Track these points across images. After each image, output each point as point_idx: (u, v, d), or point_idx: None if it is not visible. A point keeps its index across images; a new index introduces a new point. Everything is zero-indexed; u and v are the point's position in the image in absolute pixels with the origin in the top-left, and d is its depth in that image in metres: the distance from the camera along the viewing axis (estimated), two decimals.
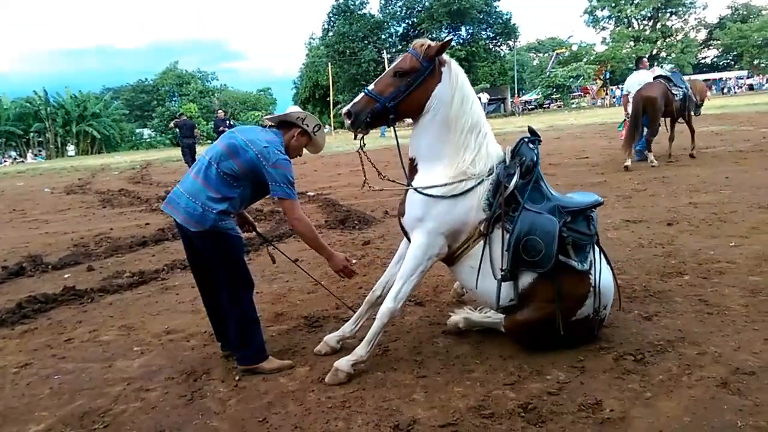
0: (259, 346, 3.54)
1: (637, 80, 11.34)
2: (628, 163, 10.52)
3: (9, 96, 56.67)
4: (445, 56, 3.33)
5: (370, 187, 3.67)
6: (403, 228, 3.55)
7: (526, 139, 3.38)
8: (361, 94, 3.34)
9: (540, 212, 3.20)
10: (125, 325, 4.59)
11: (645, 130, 10.88)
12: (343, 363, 3.30)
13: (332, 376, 3.29)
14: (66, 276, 6.36)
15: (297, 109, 3.63)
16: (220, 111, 23.14)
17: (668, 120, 11.25)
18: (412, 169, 3.47)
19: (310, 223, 3.54)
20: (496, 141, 3.51)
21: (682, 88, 10.99)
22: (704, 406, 2.73)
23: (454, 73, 3.31)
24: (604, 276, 3.35)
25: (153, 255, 7.08)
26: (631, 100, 11.08)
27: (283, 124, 3.60)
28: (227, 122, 19.79)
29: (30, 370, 3.88)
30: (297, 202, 3.42)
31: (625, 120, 12.44)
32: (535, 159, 3.30)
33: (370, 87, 3.34)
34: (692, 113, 11.31)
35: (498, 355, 3.46)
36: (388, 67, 3.54)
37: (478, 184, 3.30)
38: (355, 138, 3.43)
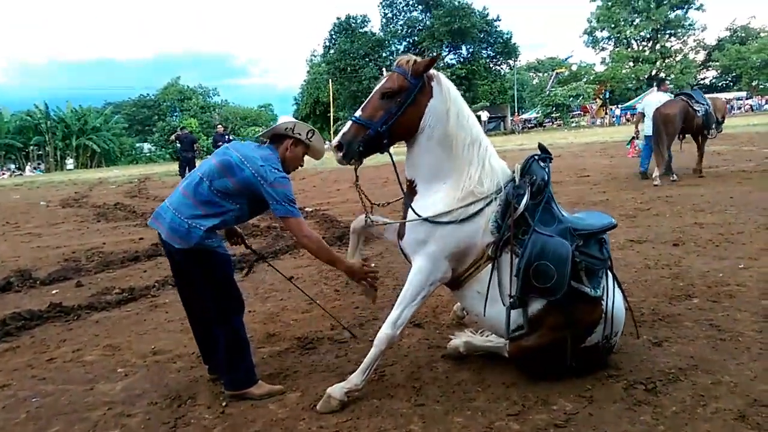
0: (248, 370, 3.35)
1: (657, 99, 11.48)
2: (657, 182, 10.57)
3: (9, 109, 56.79)
4: (433, 71, 3.17)
5: (373, 222, 3.49)
6: (402, 250, 3.37)
7: (536, 157, 3.20)
8: (349, 123, 3.15)
9: (551, 235, 2.99)
10: (111, 345, 4.40)
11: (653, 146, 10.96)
12: (337, 390, 3.10)
13: (324, 404, 3.09)
14: (54, 292, 6.16)
15: (287, 119, 3.44)
16: (219, 126, 22.99)
17: (692, 137, 11.47)
18: (412, 191, 3.29)
19: (320, 239, 3.36)
20: (499, 158, 3.34)
21: (703, 104, 11.12)
22: None
23: (445, 87, 3.16)
24: (617, 301, 3.18)
25: (144, 271, 6.89)
26: (646, 119, 11.27)
27: (276, 137, 3.43)
28: (226, 137, 19.65)
29: (7, 391, 3.68)
30: (302, 218, 3.27)
31: (633, 137, 12.66)
32: (546, 178, 3.11)
33: (358, 113, 3.13)
34: (711, 131, 11.39)
35: (501, 383, 3.27)
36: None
37: (487, 205, 3.12)
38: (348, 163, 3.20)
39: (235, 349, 3.33)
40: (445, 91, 3.14)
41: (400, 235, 3.31)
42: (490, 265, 3.13)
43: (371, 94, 3.19)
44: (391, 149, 3.24)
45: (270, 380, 3.54)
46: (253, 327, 4.45)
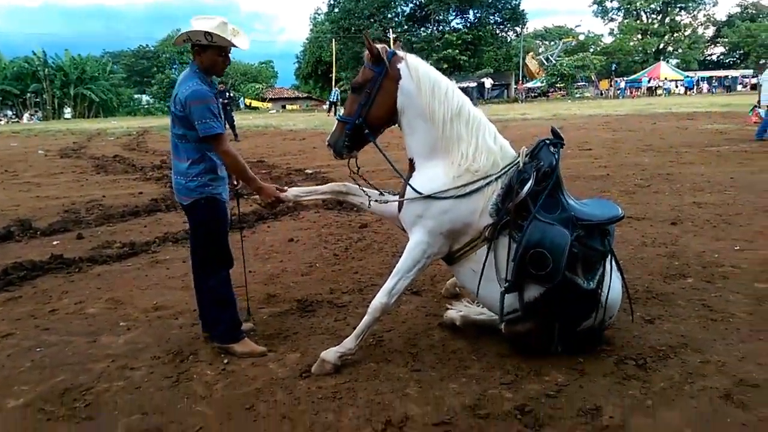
0: (229, 326, 3.45)
1: None
2: None
3: (6, 55, 55.84)
4: (400, 52, 3.23)
5: (377, 200, 3.55)
6: (401, 224, 3.42)
7: (547, 141, 3.17)
8: (336, 122, 3.35)
9: (552, 223, 2.97)
10: (112, 299, 4.47)
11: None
12: (331, 354, 3.18)
13: (319, 367, 3.18)
14: (55, 243, 6.21)
15: (182, 34, 3.22)
16: (219, 84, 22.70)
17: None
18: (412, 168, 3.34)
19: (237, 155, 3.30)
20: (500, 137, 3.33)
21: None
22: (706, 419, 2.64)
23: (412, 66, 3.18)
24: (613, 290, 3.20)
25: (144, 226, 6.93)
26: (764, 91, 13.52)
27: (193, 48, 3.28)
28: (227, 95, 19.34)
29: (11, 340, 3.76)
30: (223, 135, 3.20)
31: (754, 106, 14.37)
32: (554, 164, 3.06)
33: (341, 112, 3.33)
34: None
35: (496, 353, 3.35)
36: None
37: (487, 185, 3.14)
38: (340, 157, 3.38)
39: (219, 304, 3.45)
40: (413, 70, 3.16)
41: (399, 208, 3.36)
42: (486, 246, 3.16)
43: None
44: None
45: (269, 341, 3.63)
46: (253, 287, 4.50)
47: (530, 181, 3.03)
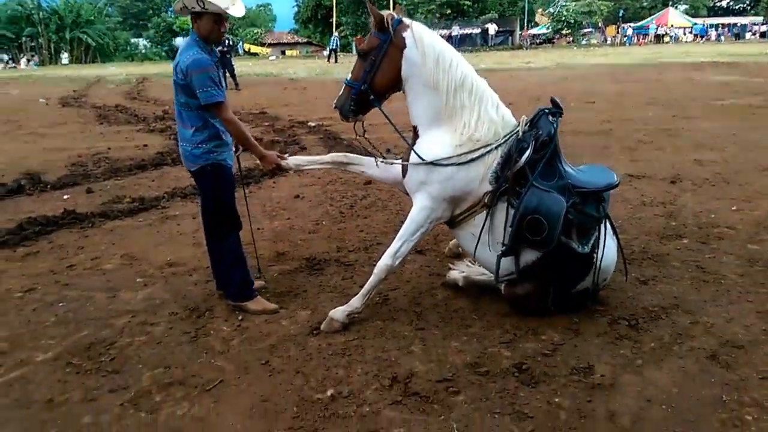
0: (241, 285, 3.63)
1: None
2: None
3: None
4: (406, 20, 3.28)
5: (383, 160, 3.66)
6: (405, 188, 3.54)
7: (546, 111, 3.26)
8: (343, 86, 3.41)
9: (548, 191, 3.10)
10: (127, 254, 4.63)
11: None
12: (338, 313, 3.36)
13: (327, 325, 3.36)
14: (65, 197, 6.34)
15: (178, 2, 3.27)
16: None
17: None
18: (415, 135, 3.44)
19: (239, 123, 3.40)
20: (502, 106, 3.41)
21: None
22: (692, 378, 2.83)
23: (417, 34, 3.23)
24: (608, 252, 3.34)
25: (152, 180, 7.05)
26: None
27: (191, 17, 3.34)
28: (227, 42, 18.71)
29: (34, 295, 3.94)
30: (224, 102, 3.28)
31: None
32: (552, 133, 3.16)
33: (348, 76, 3.38)
34: None
35: (495, 312, 3.53)
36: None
37: (487, 153, 3.24)
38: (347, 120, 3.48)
39: (230, 265, 3.61)
40: (418, 39, 3.21)
41: (403, 173, 3.49)
42: (485, 212, 3.30)
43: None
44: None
45: (280, 298, 3.80)
46: (262, 244, 4.67)
47: (529, 150, 3.15)
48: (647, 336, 3.21)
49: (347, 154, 3.85)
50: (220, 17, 3.27)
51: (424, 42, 3.22)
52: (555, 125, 3.21)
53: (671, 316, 3.42)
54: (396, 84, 3.35)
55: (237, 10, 3.28)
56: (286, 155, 3.71)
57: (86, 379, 2.97)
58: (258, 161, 3.62)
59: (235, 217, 3.64)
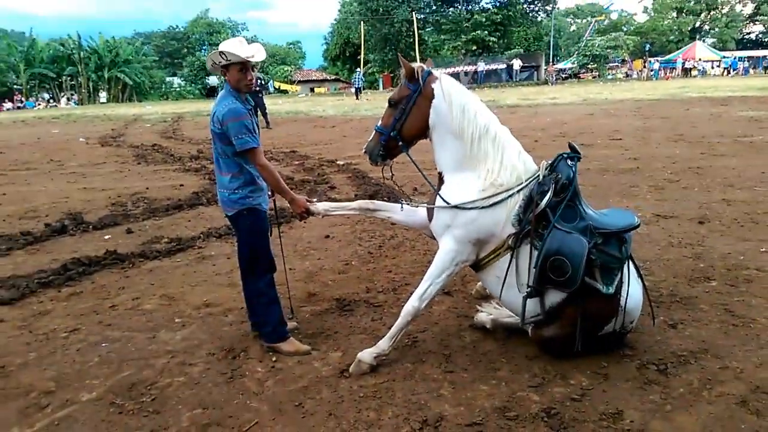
0: (275, 326, 3.76)
1: None
2: None
3: (42, 37, 57.14)
4: (435, 72, 3.49)
5: (408, 203, 3.86)
6: (432, 232, 3.68)
7: (565, 155, 3.40)
8: (373, 132, 3.62)
9: (570, 232, 3.22)
10: (166, 295, 4.82)
11: None
12: (366, 355, 3.46)
13: (356, 367, 3.46)
14: (106, 237, 6.61)
15: (208, 61, 3.55)
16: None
17: None
18: (441, 181, 3.59)
19: (273, 169, 3.58)
20: (523, 152, 3.54)
21: None
22: (722, 425, 2.84)
23: (445, 87, 3.42)
24: (633, 295, 3.40)
25: (189, 220, 7.30)
26: None
27: (222, 70, 3.58)
28: (259, 82, 19.23)
29: (78, 335, 4.13)
30: (259, 148, 3.49)
31: None
32: (571, 176, 3.30)
33: (378, 123, 3.59)
34: None
35: (524, 355, 3.59)
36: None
37: (509, 197, 3.37)
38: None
39: (265, 305, 3.76)
40: (446, 92, 3.41)
41: (430, 218, 3.63)
42: (509, 254, 3.41)
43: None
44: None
45: (312, 339, 3.92)
46: (294, 285, 4.82)
47: (549, 193, 3.28)
48: (676, 381, 3.23)
49: (374, 201, 4.04)
50: (244, 65, 3.51)
51: (451, 93, 3.41)
52: (573, 169, 3.35)
53: (700, 360, 3.43)
54: (424, 132, 3.52)
55: (258, 56, 3.53)
56: (315, 200, 3.88)
57: (129, 419, 3.11)
58: (288, 204, 3.78)
59: (269, 259, 3.81)
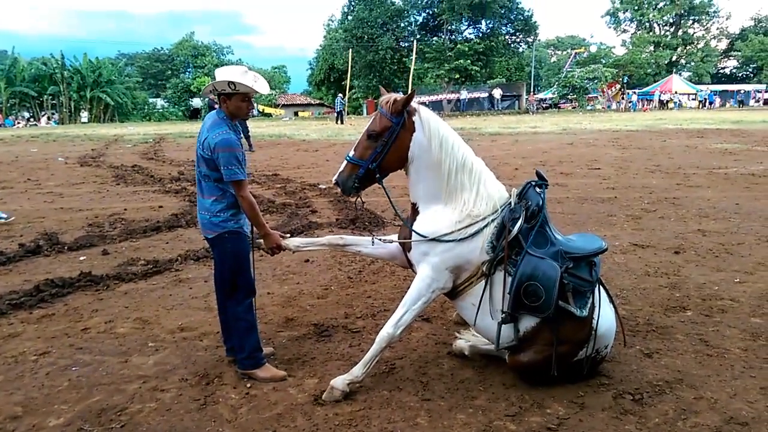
0: (251, 352, 3.69)
1: None
2: None
3: (23, 56, 56.68)
4: (414, 104, 3.49)
5: (380, 239, 3.87)
6: (409, 261, 3.69)
7: (533, 183, 3.48)
8: (344, 162, 3.53)
9: (542, 257, 3.27)
10: (140, 318, 4.73)
11: None
12: (339, 382, 3.42)
13: (328, 394, 3.41)
14: (81, 259, 6.50)
15: (220, 74, 3.50)
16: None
17: None
18: (414, 212, 3.61)
19: (253, 202, 3.57)
20: (496, 182, 3.60)
21: None
22: None
23: (425, 120, 3.45)
24: (606, 318, 3.44)
25: (167, 242, 7.21)
26: None
27: (219, 97, 3.60)
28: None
29: (48, 359, 4.03)
30: (244, 181, 3.49)
31: None
32: (540, 204, 3.38)
33: (351, 153, 3.52)
34: None
35: (501, 383, 3.58)
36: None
37: (485, 226, 3.41)
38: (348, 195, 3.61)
39: (242, 330, 3.70)
40: (426, 124, 3.44)
41: (408, 248, 3.65)
42: (484, 281, 3.43)
43: (361, 134, 3.56)
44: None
45: (289, 365, 3.87)
46: (272, 309, 4.78)
47: (520, 220, 3.35)
48: (652, 411, 3.24)
49: (343, 236, 4.02)
50: (247, 96, 3.54)
51: (431, 126, 3.44)
52: (542, 195, 3.42)
53: (675, 390, 3.45)
54: (402, 164, 3.53)
55: (262, 87, 3.55)
56: (288, 235, 3.88)
57: None
58: (261, 240, 3.74)
59: (250, 283, 3.77)
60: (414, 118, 3.44)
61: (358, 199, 3.68)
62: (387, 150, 3.45)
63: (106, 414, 3.31)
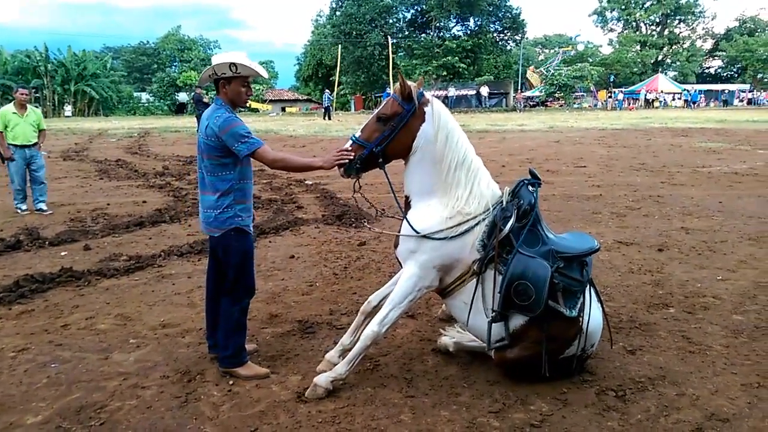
0: (237, 350, 3.64)
1: None
2: None
3: (8, 48, 55.84)
4: (427, 95, 3.46)
5: (370, 229, 3.79)
6: (397, 258, 3.65)
7: (526, 181, 3.46)
8: (349, 142, 3.46)
9: (533, 257, 3.26)
10: (122, 314, 4.67)
11: None
12: (323, 379, 3.39)
13: (312, 391, 3.38)
14: (62, 254, 6.41)
15: (216, 59, 3.44)
16: (198, 89, 22.20)
17: None
18: (407, 206, 3.57)
19: (285, 155, 3.51)
20: (491, 180, 3.57)
21: None
22: None
23: (436, 111, 3.41)
24: (594, 317, 3.44)
25: (150, 238, 7.13)
26: None
27: (215, 84, 3.53)
28: (202, 100, 19.91)
29: (27, 355, 3.96)
30: (264, 146, 3.40)
31: None
32: (532, 202, 3.36)
33: (357, 134, 3.46)
34: None
35: (485, 380, 3.57)
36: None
37: (476, 224, 3.39)
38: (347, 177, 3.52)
39: (231, 329, 3.63)
40: (436, 116, 3.40)
41: (395, 244, 3.61)
42: (475, 280, 3.41)
43: (371, 117, 3.50)
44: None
45: (272, 362, 3.83)
46: (256, 305, 4.73)
47: (512, 219, 3.33)
48: (634, 407, 3.25)
49: (369, 299, 3.83)
50: (247, 80, 3.47)
51: (440, 119, 3.40)
52: (535, 194, 3.41)
53: (658, 387, 3.46)
54: (406, 152, 3.46)
55: (264, 72, 3.50)
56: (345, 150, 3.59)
57: None
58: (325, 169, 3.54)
59: (251, 282, 3.71)
60: (426, 108, 3.40)
61: (357, 182, 3.58)
62: (394, 135, 3.39)
63: (85, 411, 3.25)
